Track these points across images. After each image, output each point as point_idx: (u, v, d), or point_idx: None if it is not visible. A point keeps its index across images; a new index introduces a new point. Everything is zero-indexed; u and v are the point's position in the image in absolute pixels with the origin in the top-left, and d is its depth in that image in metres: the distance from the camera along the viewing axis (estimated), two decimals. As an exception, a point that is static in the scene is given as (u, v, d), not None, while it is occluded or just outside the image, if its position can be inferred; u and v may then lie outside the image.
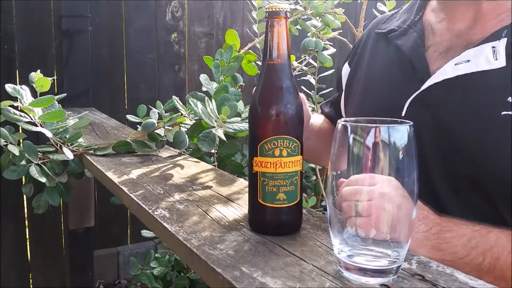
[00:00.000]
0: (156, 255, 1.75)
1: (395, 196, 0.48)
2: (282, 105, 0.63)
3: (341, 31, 1.59)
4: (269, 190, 0.63)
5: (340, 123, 0.51)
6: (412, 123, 0.49)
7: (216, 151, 1.26)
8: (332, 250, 0.53)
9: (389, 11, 1.53)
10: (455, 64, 0.77)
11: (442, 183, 0.76)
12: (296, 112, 0.64)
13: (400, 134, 0.49)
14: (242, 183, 0.91)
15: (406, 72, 0.85)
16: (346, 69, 1.07)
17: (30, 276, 2.21)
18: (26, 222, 2.16)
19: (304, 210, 0.73)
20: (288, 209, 0.64)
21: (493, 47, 0.75)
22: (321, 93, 1.71)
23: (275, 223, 0.65)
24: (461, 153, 0.74)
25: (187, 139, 1.14)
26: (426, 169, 0.76)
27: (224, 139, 0.98)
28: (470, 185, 0.74)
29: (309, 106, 1.61)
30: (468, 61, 0.76)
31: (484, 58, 0.75)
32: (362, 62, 1.01)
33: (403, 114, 0.81)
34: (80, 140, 1.18)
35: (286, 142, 0.63)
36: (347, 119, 0.52)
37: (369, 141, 0.48)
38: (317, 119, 1.17)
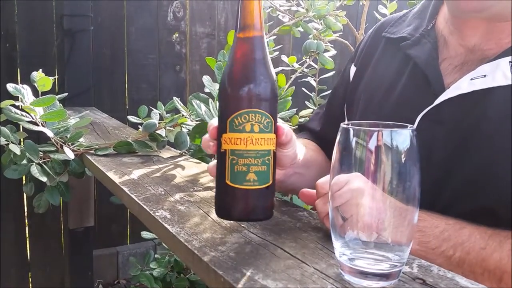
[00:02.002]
0: (156, 255, 1.75)
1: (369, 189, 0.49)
2: (252, 76, 0.60)
3: (342, 33, 1.59)
4: (239, 169, 0.59)
5: (343, 126, 0.51)
6: (414, 127, 0.49)
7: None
8: (334, 253, 0.53)
9: (390, 13, 1.53)
10: (471, 79, 0.75)
11: (450, 198, 0.74)
12: (270, 86, 0.61)
13: (403, 138, 0.49)
14: (243, 185, 0.90)
15: (419, 85, 0.82)
16: (353, 69, 1.02)
17: (30, 275, 2.21)
18: (26, 221, 2.16)
19: (305, 213, 0.73)
20: (259, 191, 0.60)
21: (510, 61, 0.72)
22: (321, 94, 1.72)
23: (244, 207, 0.61)
24: (472, 169, 0.73)
25: (188, 140, 1.14)
26: (436, 182, 0.75)
27: None
28: (478, 203, 0.72)
29: (310, 108, 1.62)
30: (485, 76, 0.74)
31: (501, 73, 0.72)
32: (367, 64, 0.97)
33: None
34: (81, 139, 1.18)
35: (258, 116, 0.59)
36: (350, 122, 0.52)
37: (372, 144, 0.48)
38: (307, 151, 0.97)
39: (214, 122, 0.67)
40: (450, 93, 0.77)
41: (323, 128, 1.08)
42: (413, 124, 0.77)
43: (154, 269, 1.66)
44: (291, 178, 0.80)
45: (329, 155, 0.97)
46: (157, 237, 1.36)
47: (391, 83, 0.88)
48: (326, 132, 1.04)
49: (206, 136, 0.68)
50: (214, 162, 0.66)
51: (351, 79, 1.02)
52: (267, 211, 0.63)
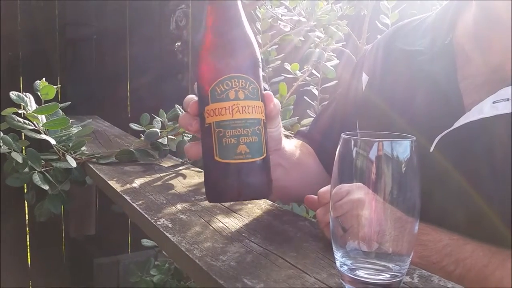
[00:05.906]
0: (156, 262, 1.74)
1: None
2: (230, 37, 0.55)
3: (344, 42, 1.59)
4: (227, 142, 0.54)
5: (344, 136, 0.51)
6: (414, 138, 0.50)
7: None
8: (335, 263, 0.53)
9: (392, 23, 1.54)
10: (493, 102, 0.71)
11: (464, 221, 0.71)
12: (250, 48, 0.56)
13: (403, 148, 0.49)
14: (244, 194, 0.90)
15: (437, 104, 0.78)
16: (365, 78, 0.95)
17: (30, 284, 2.21)
18: (27, 229, 2.16)
19: (306, 222, 0.73)
20: (252, 165, 0.54)
21: None
22: (323, 103, 1.72)
23: (238, 183, 0.55)
24: (489, 194, 0.70)
25: (190, 149, 1.14)
26: (452, 204, 0.72)
27: None
28: (491, 230, 0.69)
29: (312, 117, 1.62)
30: (508, 99, 0.70)
31: None
32: (380, 74, 0.90)
33: (431, 150, 0.74)
34: (83, 148, 1.19)
35: (242, 82, 0.54)
36: (351, 132, 0.52)
37: (372, 154, 0.49)
38: (296, 149, 0.93)
39: (193, 97, 0.61)
40: (471, 116, 0.72)
41: (323, 136, 1.01)
42: (431, 146, 0.75)
43: (154, 276, 1.65)
44: (275, 171, 0.72)
45: (326, 164, 0.96)
46: (157, 245, 1.36)
47: (406, 99, 0.82)
48: (325, 142, 0.99)
49: (185, 114, 0.62)
50: (193, 142, 0.62)
51: (363, 88, 0.94)
52: (264, 187, 0.57)
